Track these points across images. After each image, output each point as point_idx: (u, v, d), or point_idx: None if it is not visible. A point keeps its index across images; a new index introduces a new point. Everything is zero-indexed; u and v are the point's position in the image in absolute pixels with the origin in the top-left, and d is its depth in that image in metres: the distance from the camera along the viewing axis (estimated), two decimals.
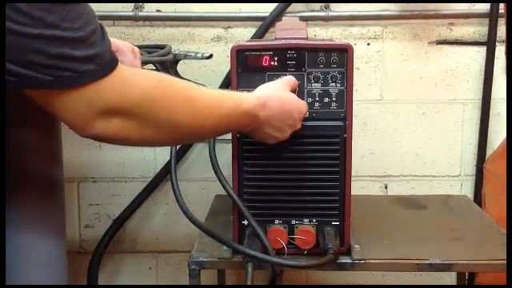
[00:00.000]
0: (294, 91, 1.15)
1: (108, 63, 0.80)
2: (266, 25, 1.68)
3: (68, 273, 1.45)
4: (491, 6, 1.67)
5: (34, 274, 1.32)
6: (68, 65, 0.76)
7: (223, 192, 1.20)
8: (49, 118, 1.32)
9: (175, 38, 1.74)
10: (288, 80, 1.14)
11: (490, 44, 1.69)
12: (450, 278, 1.84)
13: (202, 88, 0.98)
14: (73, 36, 0.76)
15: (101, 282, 1.82)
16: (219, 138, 1.70)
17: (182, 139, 1.01)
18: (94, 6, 1.70)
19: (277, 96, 1.09)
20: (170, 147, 1.30)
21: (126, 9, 1.72)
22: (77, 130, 0.82)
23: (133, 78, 0.85)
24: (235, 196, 1.18)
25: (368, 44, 1.74)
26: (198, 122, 0.94)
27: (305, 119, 1.16)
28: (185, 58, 1.39)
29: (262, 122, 1.06)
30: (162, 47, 1.39)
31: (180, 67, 1.43)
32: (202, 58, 1.39)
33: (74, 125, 0.81)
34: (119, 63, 0.83)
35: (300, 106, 1.12)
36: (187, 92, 0.93)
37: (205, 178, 1.81)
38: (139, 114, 0.84)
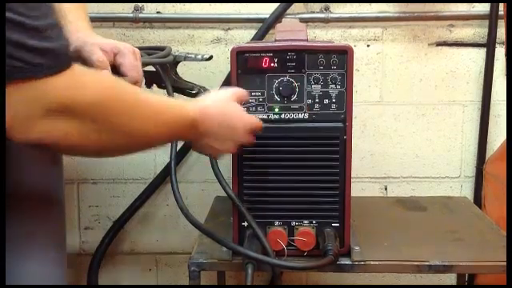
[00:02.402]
0: (241, 103, 1.10)
1: (61, 61, 0.74)
2: (266, 26, 1.68)
3: (68, 275, 1.45)
4: (491, 8, 1.67)
5: (33, 275, 1.32)
6: (20, 53, 0.69)
7: (223, 193, 1.20)
8: None
9: (175, 40, 1.74)
10: (236, 92, 1.10)
11: (489, 45, 1.70)
12: (450, 279, 1.84)
13: (150, 93, 0.95)
14: (28, 23, 0.70)
15: (101, 284, 1.82)
16: None
17: (131, 146, 0.93)
18: (94, 8, 1.71)
19: (219, 108, 1.04)
20: (169, 149, 1.29)
21: (126, 10, 1.72)
22: (14, 131, 0.72)
23: (85, 78, 0.79)
24: (235, 197, 1.18)
25: (368, 46, 1.74)
26: (147, 127, 0.89)
27: (304, 121, 1.16)
28: (185, 60, 1.39)
29: (201, 132, 1.01)
30: (161, 49, 1.39)
31: (180, 69, 1.43)
32: (202, 59, 1.39)
33: (10, 126, 0.71)
34: (74, 65, 0.77)
35: (246, 120, 1.08)
36: (138, 96, 0.88)
37: (205, 180, 1.81)
38: (89, 115, 0.78)
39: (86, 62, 1.07)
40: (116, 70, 1.11)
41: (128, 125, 0.84)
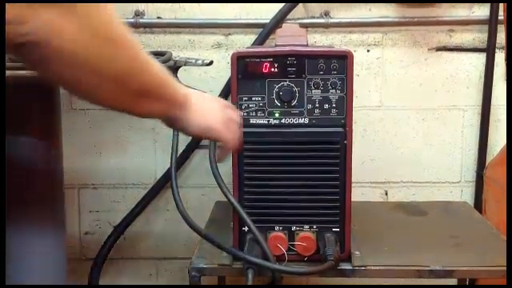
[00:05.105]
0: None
1: None
2: (267, 31, 1.68)
3: (69, 280, 1.45)
4: (491, 13, 1.68)
5: (33, 279, 1.32)
6: None
7: (223, 198, 1.20)
8: (49, 125, 1.33)
9: (175, 45, 1.75)
10: (225, 102, 1.10)
11: (489, 50, 1.70)
12: (451, 283, 1.83)
13: None
14: None
15: None
16: (220, 144, 1.70)
17: (123, 78, 0.80)
18: None
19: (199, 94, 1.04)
20: (170, 154, 1.30)
21: (127, 16, 1.72)
22: (11, 24, 0.65)
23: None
24: (235, 202, 1.18)
25: (368, 51, 1.74)
26: (150, 66, 0.84)
27: (305, 125, 1.16)
28: (185, 65, 1.39)
29: (189, 103, 0.97)
30: (162, 54, 1.40)
31: (180, 74, 1.43)
32: (203, 64, 1.40)
33: (12, 17, 0.64)
34: None
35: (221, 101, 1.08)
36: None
37: (205, 185, 1.80)
38: (89, 20, 0.70)
39: None
40: None
41: (131, 49, 0.79)
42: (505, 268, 1.16)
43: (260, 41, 1.69)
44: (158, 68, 0.86)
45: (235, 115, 1.07)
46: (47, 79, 0.80)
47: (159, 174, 1.81)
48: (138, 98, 0.84)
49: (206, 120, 0.99)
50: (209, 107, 1.01)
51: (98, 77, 0.75)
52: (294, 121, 1.18)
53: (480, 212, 1.70)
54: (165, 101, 0.90)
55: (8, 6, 0.62)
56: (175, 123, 0.96)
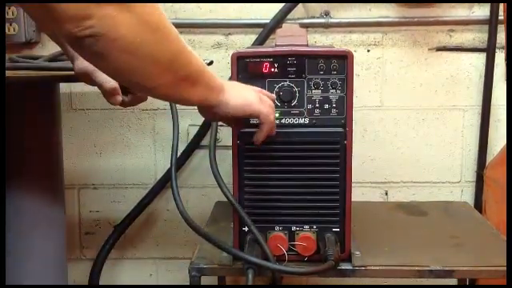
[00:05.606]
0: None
1: None
2: (267, 31, 1.68)
3: (69, 280, 1.45)
4: (491, 13, 1.68)
5: (33, 279, 1.32)
6: None
7: (223, 198, 1.20)
8: (49, 125, 1.33)
9: None
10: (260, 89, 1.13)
11: (489, 50, 1.70)
12: (451, 283, 1.83)
13: None
14: None
15: None
16: (220, 144, 1.71)
17: (170, 68, 0.88)
18: None
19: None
20: (170, 154, 1.29)
21: None
22: (73, 21, 0.73)
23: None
24: (236, 202, 1.18)
25: (368, 51, 1.75)
26: (196, 60, 0.92)
27: (305, 125, 1.16)
28: None
29: (225, 91, 1.03)
30: None
31: None
32: None
33: (74, 13, 0.72)
34: None
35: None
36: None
37: (205, 185, 1.81)
38: (144, 15, 0.80)
39: (97, 85, 1.08)
40: (127, 89, 1.11)
41: (177, 39, 0.87)
42: (505, 268, 1.16)
43: (260, 41, 1.69)
44: (198, 58, 0.94)
45: (269, 98, 1.11)
46: (106, 70, 0.87)
47: (159, 174, 1.81)
48: (184, 85, 0.92)
49: (244, 98, 1.05)
50: (244, 90, 1.07)
51: (150, 64, 0.84)
52: (294, 121, 1.18)
53: (480, 212, 1.70)
54: (206, 87, 0.97)
55: (73, 4, 0.71)
56: (214, 109, 1.02)
